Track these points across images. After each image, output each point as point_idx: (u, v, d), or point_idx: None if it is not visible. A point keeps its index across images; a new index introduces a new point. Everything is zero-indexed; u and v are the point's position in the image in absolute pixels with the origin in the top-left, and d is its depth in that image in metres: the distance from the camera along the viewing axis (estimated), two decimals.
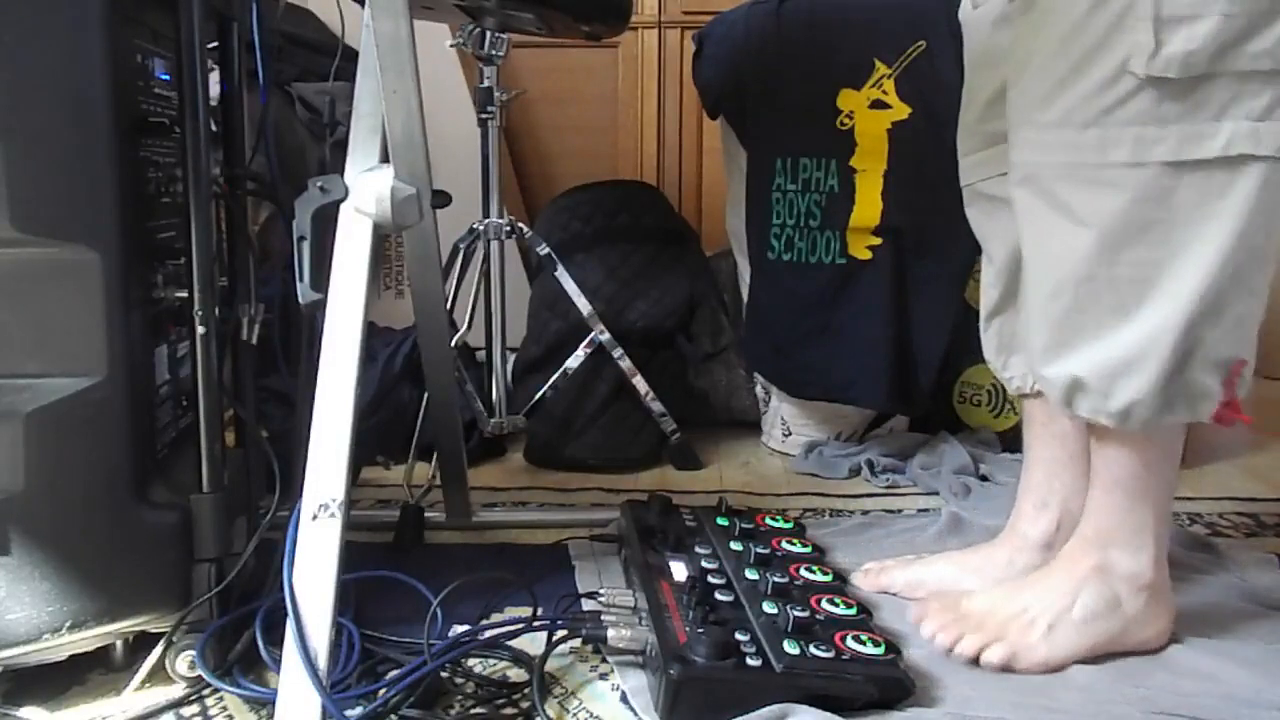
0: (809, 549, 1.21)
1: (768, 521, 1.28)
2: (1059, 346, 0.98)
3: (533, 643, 1.05)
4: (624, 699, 0.97)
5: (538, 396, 1.66)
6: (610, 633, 1.00)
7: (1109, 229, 0.92)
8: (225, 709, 0.96)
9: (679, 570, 1.11)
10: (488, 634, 1.05)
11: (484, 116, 1.54)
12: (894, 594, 1.19)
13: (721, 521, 1.26)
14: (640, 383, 1.65)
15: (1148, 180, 0.90)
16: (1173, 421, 0.97)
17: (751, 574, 1.11)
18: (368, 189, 0.94)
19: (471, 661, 1.03)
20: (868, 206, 1.62)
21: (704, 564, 1.13)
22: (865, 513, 1.49)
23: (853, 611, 1.05)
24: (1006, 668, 1.00)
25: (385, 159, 0.95)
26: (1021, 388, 1.18)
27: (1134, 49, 0.88)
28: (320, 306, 0.92)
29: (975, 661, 1.02)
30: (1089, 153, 0.92)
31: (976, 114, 1.16)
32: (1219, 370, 0.94)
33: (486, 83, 1.53)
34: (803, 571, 1.13)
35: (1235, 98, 0.88)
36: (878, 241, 1.63)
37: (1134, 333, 0.93)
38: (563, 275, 1.61)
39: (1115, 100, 0.90)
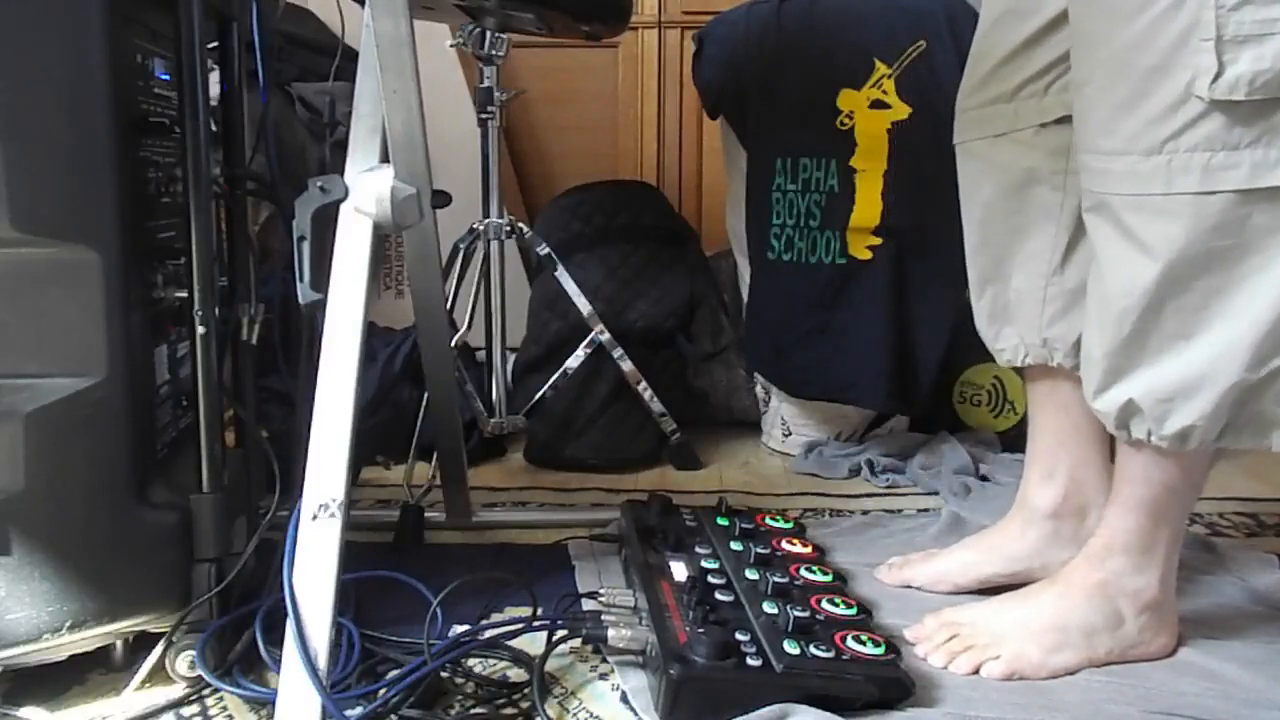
0: (809, 549, 1.21)
1: (768, 521, 1.28)
2: (1114, 373, 0.96)
3: (533, 643, 1.05)
4: (624, 699, 0.97)
5: (538, 396, 1.66)
6: (610, 633, 1.00)
7: (1178, 260, 0.89)
8: (225, 709, 0.96)
9: (679, 570, 1.11)
10: (488, 634, 1.05)
11: (484, 116, 1.54)
12: (918, 587, 1.20)
13: (721, 521, 1.26)
14: (640, 383, 1.65)
15: (1219, 209, 0.86)
16: (1236, 446, 0.94)
17: (752, 574, 1.11)
18: (368, 189, 0.94)
19: (471, 661, 1.03)
20: (868, 206, 1.62)
21: (704, 564, 1.13)
22: (865, 513, 1.49)
23: (853, 611, 1.05)
24: (1007, 680, 1.00)
25: (385, 159, 0.95)
26: (1012, 360, 1.17)
27: (1198, 71, 0.84)
28: (320, 306, 0.92)
29: (975, 672, 1.01)
30: (1155, 182, 0.88)
31: (986, 71, 1.13)
32: None
33: (486, 83, 1.53)
34: (803, 571, 1.13)
35: None
36: (878, 241, 1.63)
37: (1194, 357, 0.91)
38: (563, 275, 1.61)
39: (1181, 125, 0.86)
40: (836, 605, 1.05)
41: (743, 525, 1.23)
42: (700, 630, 0.95)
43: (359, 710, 0.91)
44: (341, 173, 0.95)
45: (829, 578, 1.13)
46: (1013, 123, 1.10)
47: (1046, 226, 1.11)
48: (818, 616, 1.02)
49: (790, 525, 1.28)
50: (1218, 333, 0.90)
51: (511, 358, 1.73)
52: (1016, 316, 1.15)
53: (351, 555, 0.89)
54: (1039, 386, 1.18)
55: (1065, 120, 1.05)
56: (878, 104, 1.61)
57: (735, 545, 1.19)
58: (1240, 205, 0.86)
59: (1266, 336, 0.88)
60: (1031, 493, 1.18)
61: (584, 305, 1.62)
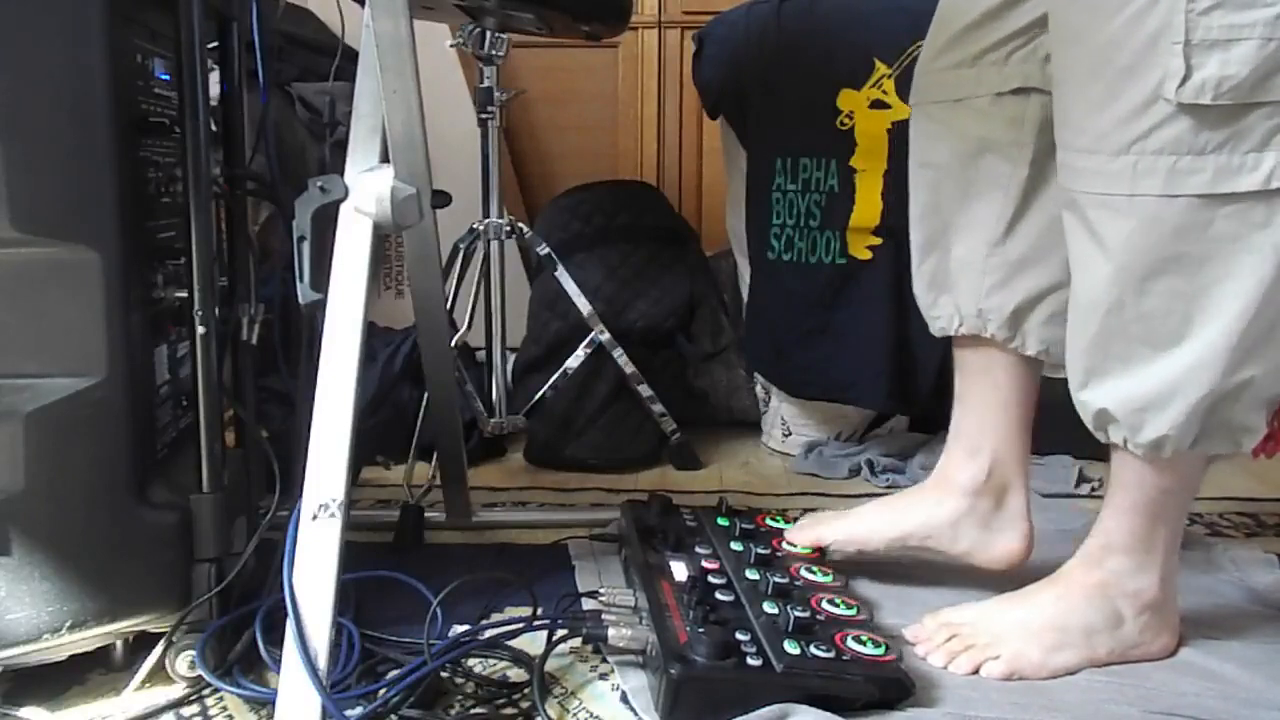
0: (809, 549, 1.21)
1: (768, 521, 1.28)
2: (1088, 373, 0.96)
3: (533, 643, 1.05)
4: (624, 699, 0.97)
5: (538, 396, 1.66)
6: (610, 632, 1.00)
7: (1139, 260, 0.89)
8: (225, 709, 0.96)
9: (679, 570, 1.11)
10: (488, 634, 1.05)
11: (484, 116, 1.54)
12: (827, 545, 1.20)
13: (721, 521, 1.26)
14: (640, 383, 1.65)
15: (1181, 212, 0.87)
16: (1210, 452, 0.95)
17: (752, 574, 1.11)
18: (368, 189, 0.94)
19: (471, 661, 1.03)
20: (868, 206, 1.62)
21: (704, 564, 1.13)
22: None
23: (853, 611, 1.05)
24: (1007, 680, 1.00)
25: (385, 159, 0.95)
26: (946, 329, 1.17)
27: (1167, 74, 0.85)
28: (320, 306, 0.92)
29: (975, 672, 1.01)
30: (1121, 182, 0.89)
31: (948, 38, 1.12)
32: (1267, 407, 0.92)
33: (486, 83, 1.53)
34: (803, 571, 1.13)
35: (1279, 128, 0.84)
36: (878, 241, 1.63)
37: (1166, 367, 0.91)
38: (563, 275, 1.61)
39: (1149, 127, 0.86)
40: (837, 605, 1.05)
41: (743, 525, 1.23)
42: (700, 630, 0.95)
43: (359, 710, 0.91)
44: (341, 173, 0.95)
45: (829, 578, 1.13)
46: (973, 89, 1.09)
47: (994, 195, 1.10)
48: (818, 616, 1.02)
49: (790, 525, 1.28)
50: (1187, 342, 0.90)
51: (511, 358, 1.73)
52: (956, 285, 1.15)
53: (351, 555, 0.89)
54: (971, 361, 1.17)
55: (1023, 91, 1.05)
56: (878, 104, 1.61)
57: (735, 545, 1.19)
58: (1203, 210, 0.86)
59: (1237, 346, 0.88)
60: (953, 468, 1.17)
61: (584, 305, 1.62)
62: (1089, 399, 0.97)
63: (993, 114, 1.08)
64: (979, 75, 1.09)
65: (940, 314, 1.17)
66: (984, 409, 1.16)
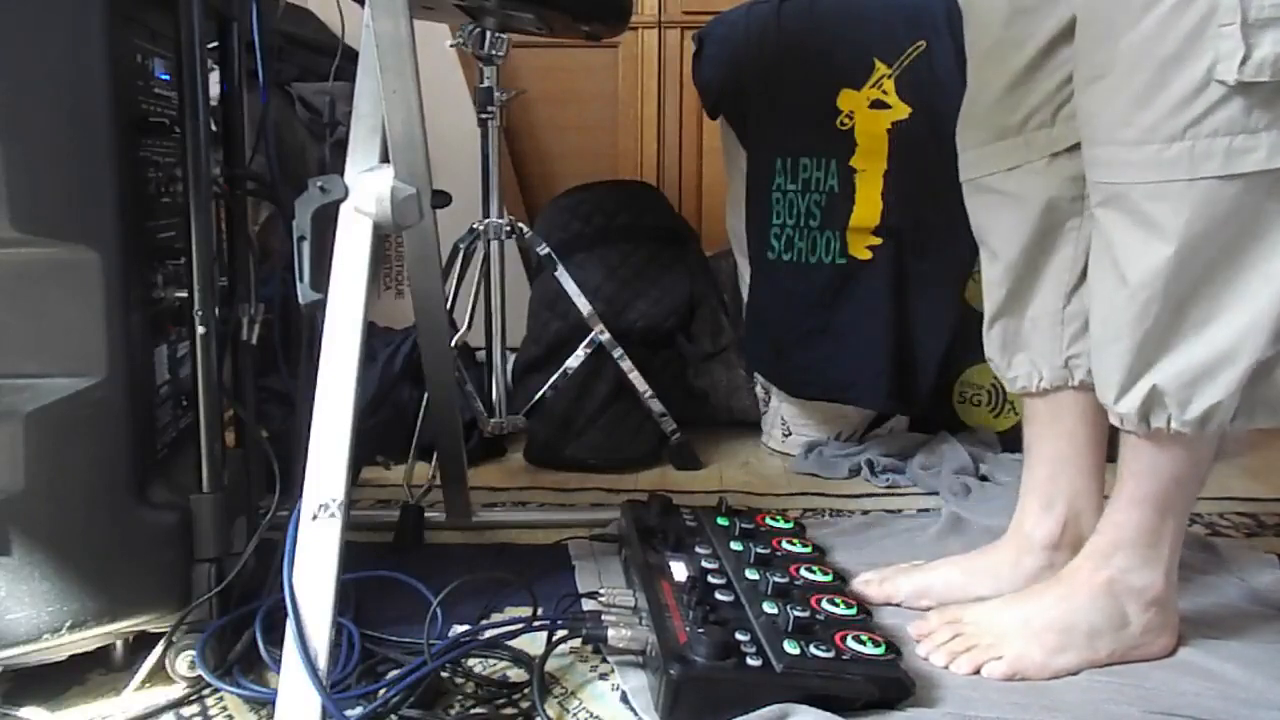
0: (809, 549, 1.21)
1: (768, 521, 1.28)
2: (1140, 368, 0.95)
3: (533, 643, 1.05)
4: (624, 699, 0.98)
5: (538, 396, 1.66)
6: (610, 633, 1.00)
7: (1201, 244, 0.90)
8: (225, 709, 0.96)
9: (679, 570, 1.11)
10: (488, 634, 1.05)
11: (484, 116, 1.54)
12: (898, 604, 1.17)
13: (721, 521, 1.26)
14: (640, 383, 1.65)
15: (1239, 191, 0.88)
16: (1251, 428, 0.95)
17: (752, 574, 1.11)
18: (368, 189, 0.94)
19: (471, 661, 1.03)
20: (868, 206, 1.62)
21: (704, 564, 1.13)
22: (865, 513, 1.49)
23: (853, 611, 1.05)
24: (1008, 681, 1.00)
25: (385, 159, 0.95)
26: (1027, 387, 1.16)
27: (1220, 56, 0.86)
28: (320, 306, 0.92)
29: (976, 673, 1.01)
30: (1179, 168, 0.89)
31: (986, 106, 1.12)
32: None
33: (486, 83, 1.53)
34: (803, 571, 1.13)
35: None
36: (878, 241, 1.63)
37: (1215, 338, 0.92)
38: (563, 275, 1.61)
39: (1203, 111, 0.87)
40: (836, 605, 1.05)
41: (743, 525, 1.23)
42: (700, 630, 0.95)
43: (359, 710, 0.91)
44: (341, 173, 0.95)
45: (829, 578, 1.13)
46: (1025, 155, 1.09)
47: (1065, 250, 1.10)
48: (818, 616, 1.02)
49: (790, 525, 1.28)
50: (1237, 312, 0.91)
51: (511, 358, 1.73)
52: (1029, 342, 1.14)
53: (351, 555, 0.89)
54: (1040, 413, 1.16)
55: (1076, 148, 1.04)
56: (878, 104, 1.61)
57: (735, 545, 1.19)
58: (1258, 186, 0.88)
59: None
60: (1029, 523, 1.16)
61: (584, 305, 1.62)
62: (1138, 390, 0.95)
63: (1053, 174, 1.08)
64: (1029, 141, 1.09)
65: (1018, 373, 1.16)
66: (1056, 459, 1.15)
